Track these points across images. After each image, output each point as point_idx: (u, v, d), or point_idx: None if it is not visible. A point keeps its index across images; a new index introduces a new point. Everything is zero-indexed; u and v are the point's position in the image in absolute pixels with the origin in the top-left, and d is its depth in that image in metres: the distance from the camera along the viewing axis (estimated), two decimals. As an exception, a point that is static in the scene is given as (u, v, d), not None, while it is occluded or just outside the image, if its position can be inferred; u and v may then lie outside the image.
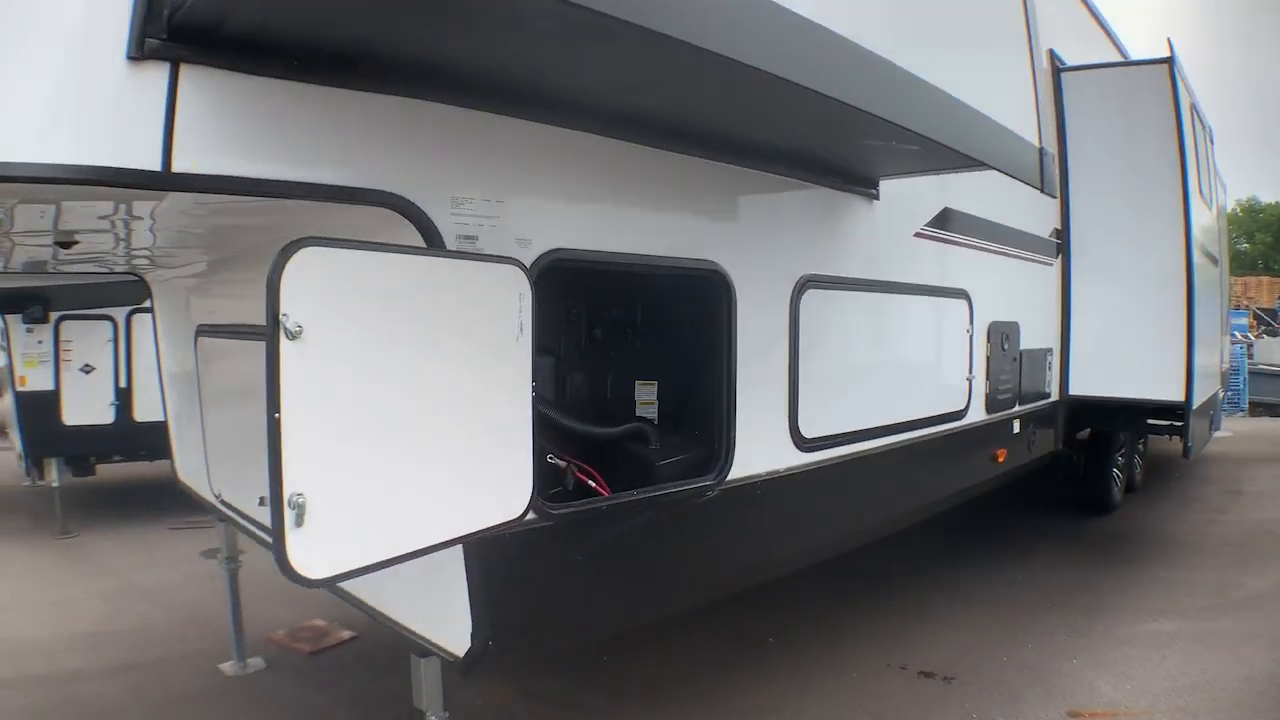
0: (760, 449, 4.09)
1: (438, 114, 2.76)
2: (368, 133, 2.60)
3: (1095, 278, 7.49)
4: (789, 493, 4.27)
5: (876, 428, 4.87)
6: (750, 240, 4.01)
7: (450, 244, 2.83)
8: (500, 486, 2.77)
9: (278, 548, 2.11)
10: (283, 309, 2.09)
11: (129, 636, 6.01)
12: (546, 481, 3.36)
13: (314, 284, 2.16)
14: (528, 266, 2.93)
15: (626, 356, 4.25)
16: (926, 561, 7.48)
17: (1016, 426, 6.72)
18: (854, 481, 4.74)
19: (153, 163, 2.16)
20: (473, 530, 2.69)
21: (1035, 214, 7.01)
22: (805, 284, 4.31)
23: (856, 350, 4.83)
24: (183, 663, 5.54)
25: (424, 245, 2.76)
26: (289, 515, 2.10)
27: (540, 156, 3.10)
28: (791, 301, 4.23)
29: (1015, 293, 6.73)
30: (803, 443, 4.31)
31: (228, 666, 5.44)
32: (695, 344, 3.99)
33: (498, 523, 2.76)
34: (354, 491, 2.29)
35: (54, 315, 8.84)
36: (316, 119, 2.48)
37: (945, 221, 5.58)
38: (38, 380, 8.96)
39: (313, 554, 2.16)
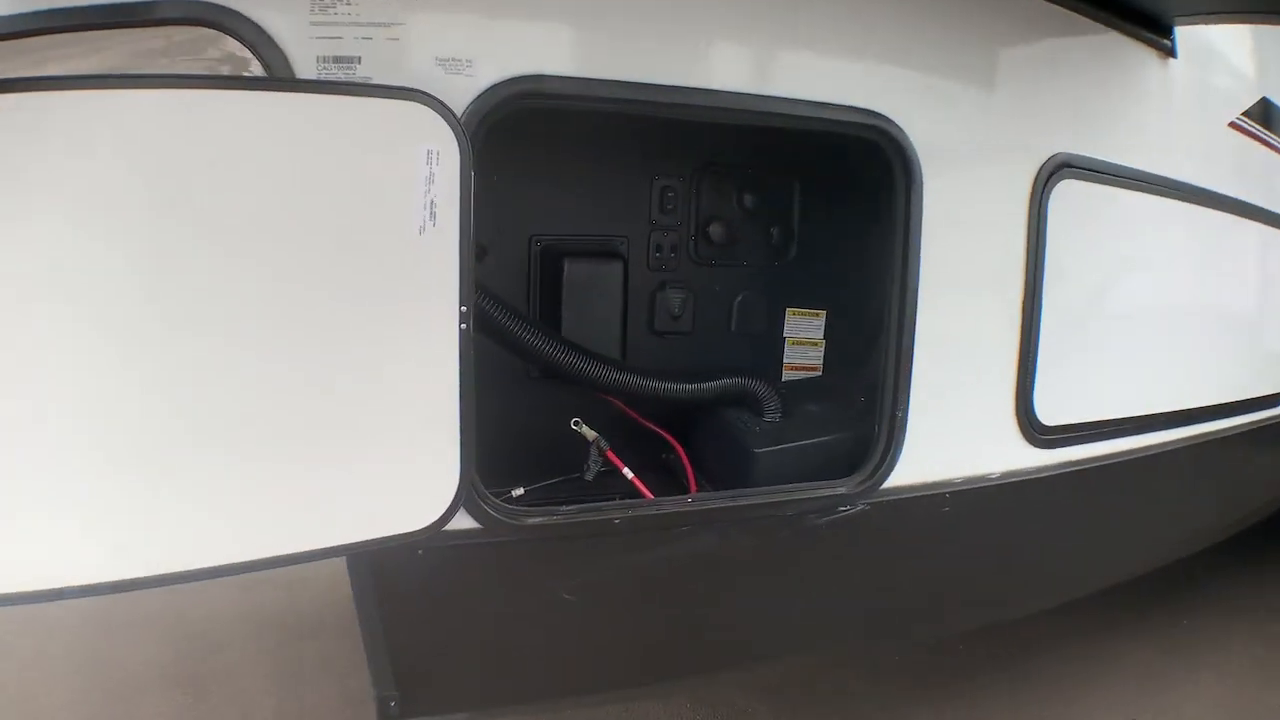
0: (958, 438, 2.51)
1: None
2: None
3: None
4: (1008, 511, 2.64)
5: (1164, 414, 2.97)
6: (953, 85, 2.38)
7: (307, 72, 1.75)
8: (394, 478, 1.81)
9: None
10: None
11: None
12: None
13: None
14: (452, 108, 1.75)
15: (770, 270, 2.84)
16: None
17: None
18: (1121, 496, 2.94)
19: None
20: (322, 547, 1.76)
21: None
22: (1058, 169, 2.56)
23: (1140, 289, 2.94)
24: None
25: (253, 77, 1.74)
26: None
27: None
28: (1032, 196, 2.52)
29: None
30: (1039, 432, 2.62)
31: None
32: (858, 259, 2.51)
33: (384, 535, 1.80)
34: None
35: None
36: None
37: (1268, 117, 3.37)
38: None
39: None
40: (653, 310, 2.71)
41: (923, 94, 2.32)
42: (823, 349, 2.86)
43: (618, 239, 2.63)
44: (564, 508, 2.12)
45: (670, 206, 2.67)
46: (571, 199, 2.58)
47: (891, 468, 2.37)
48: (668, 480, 2.55)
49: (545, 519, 2.08)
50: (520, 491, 2.32)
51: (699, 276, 2.75)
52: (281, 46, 1.74)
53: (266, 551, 1.72)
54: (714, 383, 2.47)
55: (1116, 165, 2.73)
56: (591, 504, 2.17)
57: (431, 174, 1.75)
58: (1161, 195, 2.88)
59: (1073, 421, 2.70)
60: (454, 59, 1.85)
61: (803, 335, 2.86)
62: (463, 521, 1.93)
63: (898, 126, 2.26)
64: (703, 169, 2.69)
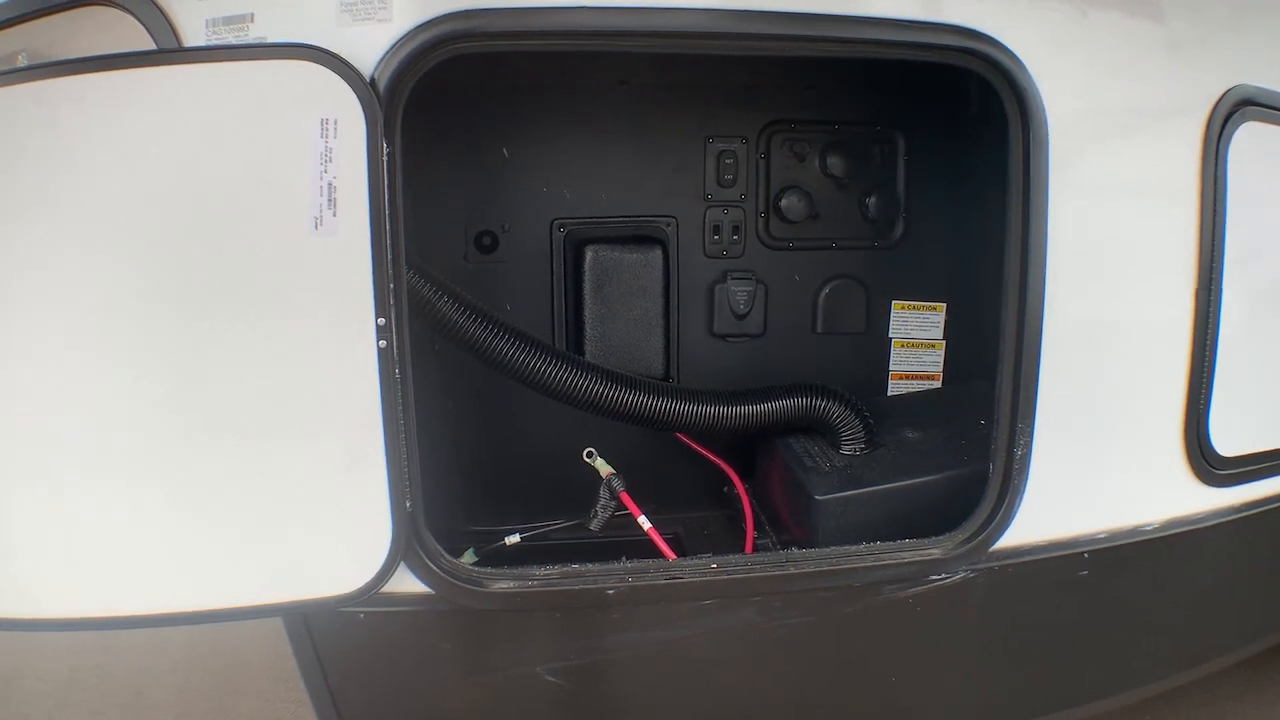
0: (1101, 479, 1.86)
1: None
2: None
3: None
4: (1170, 570, 1.96)
5: None
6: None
7: (197, 40, 1.48)
8: (318, 532, 1.51)
9: None
10: None
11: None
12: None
13: None
14: (357, 64, 1.39)
15: (869, 253, 2.22)
16: None
17: None
18: None
19: None
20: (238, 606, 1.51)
21: None
22: (1238, 108, 1.83)
23: None
24: None
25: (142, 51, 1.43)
26: None
27: None
28: (1205, 147, 1.81)
29: None
30: (1216, 466, 1.92)
31: None
32: (984, 237, 1.94)
33: (310, 598, 1.52)
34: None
35: None
36: None
37: None
38: None
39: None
40: (712, 307, 2.13)
41: (1044, 10, 1.65)
42: (943, 352, 2.23)
43: (663, 220, 2.08)
44: (540, 571, 1.63)
45: (730, 177, 2.09)
46: (606, 174, 2.05)
47: (1007, 522, 1.74)
48: (726, 522, 1.99)
49: (515, 585, 1.61)
50: (515, 539, 1.84)
51: (771, 264, 2.17)
52: (166, 12, 1.46)
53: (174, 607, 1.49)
54: (770, 404, 1.88)
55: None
56: (579, 568, 1.64)
57: (328, 150, 1.37)
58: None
59: (1261, 450, 1.99)
60: (363, 1, 1.42)
61: (916, 335, 2.24)
62: (409, 584, 1.58)
63: (1010, 53, 1.61)
64: (771, 127, 2.09)
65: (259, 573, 1.50)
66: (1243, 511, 1.99)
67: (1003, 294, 1.70)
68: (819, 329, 2.19)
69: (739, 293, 2.10)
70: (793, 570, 1.68)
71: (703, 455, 1.99)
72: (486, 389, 1.89)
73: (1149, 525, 1.89)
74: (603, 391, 1.73)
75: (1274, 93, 1.92)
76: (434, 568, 1.56)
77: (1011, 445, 1.71)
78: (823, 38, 1.59)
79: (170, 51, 1.44)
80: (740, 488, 1.95)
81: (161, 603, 1.49)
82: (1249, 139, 1.87)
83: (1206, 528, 1.95)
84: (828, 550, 1.72)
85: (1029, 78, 1.63)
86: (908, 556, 1.71)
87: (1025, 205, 1.65)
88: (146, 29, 1.49)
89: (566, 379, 1.70)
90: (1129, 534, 1.87)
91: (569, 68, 1.84)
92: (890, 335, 2.22)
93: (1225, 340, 1.88)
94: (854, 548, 1.71)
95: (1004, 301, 1.70)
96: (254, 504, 1.47)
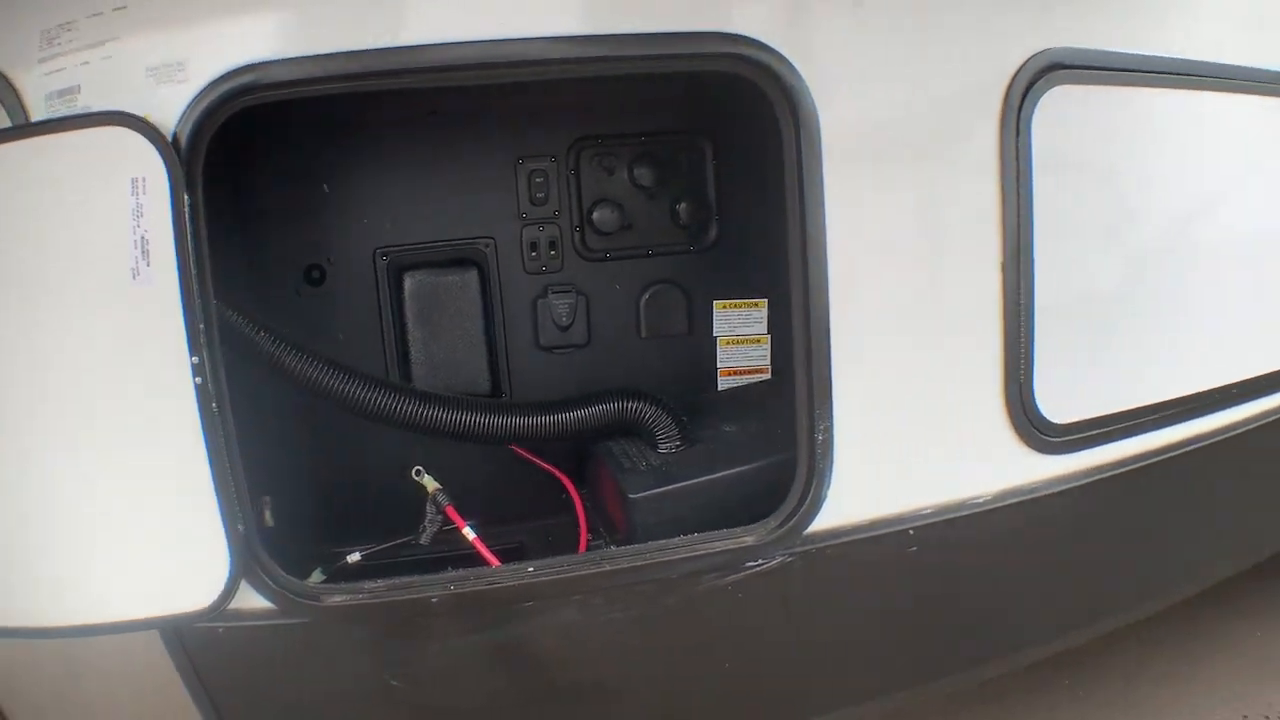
0: (922, 454, 1.88)
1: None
2: None
3: None
4: (1009, 542, 1.97)
5: (1225, 389, 2.14)
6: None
7: (41, 113, 1.59)
8: (167, 555, 1.64)
9: None
10: None
11: None
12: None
13: None
14: (161, 124, 1.51)
15: (687, 257, 2.27)
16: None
17: None
18: (1167, 500, 2.17)
19: None
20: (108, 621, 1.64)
21: None
22: (1043, 73, 1.84)
23: (1186, 223, 2.09)
24: None
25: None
26: None
27: None
28: (1004, 115, 1.82)
29: None
30: (1047, 434, 1.93)
31: None
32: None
33: (164, 615, 1.66)
34: None
35: None
36: None
37: None
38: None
39: None
40: (536, 322, 2.20)
41: (811, 5, 1.69)
42: (768, 346, 2.27)
43: (481, 241, 2.14)
44: (369, 584, 1.73)
45: (541, 195, 2.15)
46: (424, 201, 2.13)
47: (817, 506, 1.78)
48: (570, 529, 2.08)
49: (346, 598, 1.71)
50: (356, 557, 1.94)
51: (591, 275, 2.22)
52: (18, 90, 1.57)
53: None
54: (582, 411, 1.94)
55: (1142, 57, 1.96)
56: (404, 579, 1.74)
57: (139, 206, 1.50)
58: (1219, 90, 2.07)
59: (1098, 415, 2.00)
60: (164, 65, 1.54)
61: (740, 333, 2.28)
62: (255, 600, 1.69)
63: (776, 54, 1.65)
64: (579, 144, 2.15)
65: (125, 591, 1.64)
66: (1087, 477, 1.99)
67: (790, 287, 1.75)
68: (643, 334, 2.25)
69: (560, 305, 2.17)
70: (608, 567, 1.75)
71: (540, 467, 2.07)
72: (333, 416, 2.00)
73: (981, 498, 1.91)
74: (412, 410, 1.82)
75: (1088, 51, 1.90)
76: (272, 585, 1.67)
77: (813, 431, 1.76)
78: (590, 58, 1.64)
79: (15, 129, 1.57)
80: (574, 493, 2.02)
81: (24, 617, 1.65)
82: (1058, 103, 1.86)
83: (1048, 495, 1.96)
84: (643, 546, 1.77)
85: (797, 75, 1.66)
86: (720, 545, 1.76)
87: (800, 193, 1.68)
88: (3, 106, 1.61)
89: (372, 401, 1.79)
90: (960, 507, 1.89)
91: (381, 103, 1.93)
92: (715, 334, 2.27)
93: (1043, 310, 1.88)
94: (668, 541, 1.76)
95: (791, 293, 1.75)
96: (112, 529, 1.60)
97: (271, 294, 2.01)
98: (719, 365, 2.27)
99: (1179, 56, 2.00)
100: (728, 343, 2.29)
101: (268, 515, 1.89)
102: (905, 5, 1.78)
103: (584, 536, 1.98)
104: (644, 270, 2.23)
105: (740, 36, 1.65)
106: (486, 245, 2.13)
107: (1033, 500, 1.94)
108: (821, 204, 1.70)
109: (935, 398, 1.86)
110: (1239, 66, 2.07)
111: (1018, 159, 1.82)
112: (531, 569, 1.75)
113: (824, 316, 1.73)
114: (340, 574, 1.92)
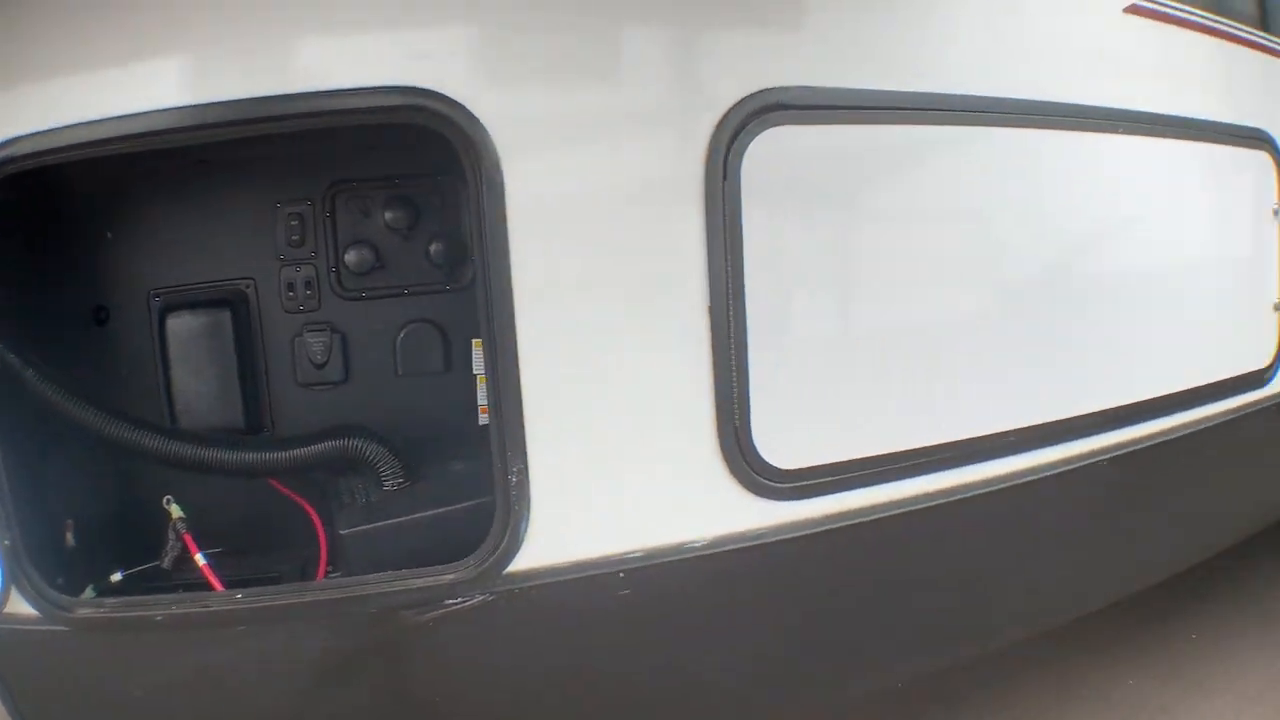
0: (630, 495, 1.89)
1: None
2: None
3: None
4: (731, 588, 1.94)
5: (978, 440, 2.06)
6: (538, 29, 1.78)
7: None
8: None
9: None
10: None
11: None
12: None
13: None
14: None
15: (444, 296, 2.33)
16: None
17: None
18: (910, 564, 2.10)
19: None
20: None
21: None
22: (757, 116, 1.83)
23: (940, 268, 2.05)
24: None
25: None
26: None
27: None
28: (711, 160, 1.81)
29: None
30: (768, 478, 1.90)
31: None
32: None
33: None
34: None
35: None
36: None
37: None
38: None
39: None
40: (294, 360, 2.29)
41: (488, 48, 1.75)
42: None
43: (242, 282, 2.25)
44: (110, 600, 1.88)
45: (297, 237, 2.24)
46: (192, 243, 2.25)
47: (516, 546, 1.81)
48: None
49: (90, 611, 1.85)
50: (118, 576, 2.05)
51: (348, 314, 2.29)
52: None
53: None
54: (307, 448, 2.02)
55: (876, 92, 1.92)
56: (139, 598, 1.88)
57: None
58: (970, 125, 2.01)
59: (837, 460, 1.95)
60: None
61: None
62: (25, 607, 1.84)
63: (450, 100, 1.71)
64: (334, 188, 2.25)
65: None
66: (823, 525, 1.95)
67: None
68: (399, 372, 2.31)
69: (315, 343, 2.24)
70: (309, 598, 1.82)
71: (290, 497, 2.15)
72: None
73: (697, 542, 1.89)
74: (151, 444, 1.92)
75: (810, 89, 1.89)
76: (34, 594, 1.82)
77: (507, 473, 1.79)
78: (280, 115, 1.74)
79: None
80: (318, 524, 2.09)
81: None
82: (778, 144, 1.85)
83: (777, 542, 1.93)
84: (343, 580, 1.85)
85: (472, 118, 1.71)
86: (419, 583, 1.80)
87: (483, 239, 1.73)
88: None
89: (116, 434, 1.91)
90: (674, 551, 1.88)
91: (154, 155, 2.06)
92: (475, 371, 2.30)
93: (760, 352, 1.86)
94: (368, 576, 1.82)
95: (483, 333, 1.79)
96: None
97: (64, 334, 2.17)
98: (479, 402, 2.31)
99: (918, 90, 1.96)
100: (486, 380, 2.32)
101: (69, 536, 2.05)
102: (601, 48, 1.82)
103: (323, 566, 2.05)
104: (400, 309, 2.30)
105: (419, 89, 1.72)
106: (248, 286, 2.24)
107: (758, 546, 1.91)
108: (506, 253, 1.74)
109: (644, 443, 1.87)
110: (992, 98, 2.02)
111: (724, 202, 1.82)
112: (240, 595, 1.84)
113: (513, 364, 1.76)
114: (106, 591, 2.05)
